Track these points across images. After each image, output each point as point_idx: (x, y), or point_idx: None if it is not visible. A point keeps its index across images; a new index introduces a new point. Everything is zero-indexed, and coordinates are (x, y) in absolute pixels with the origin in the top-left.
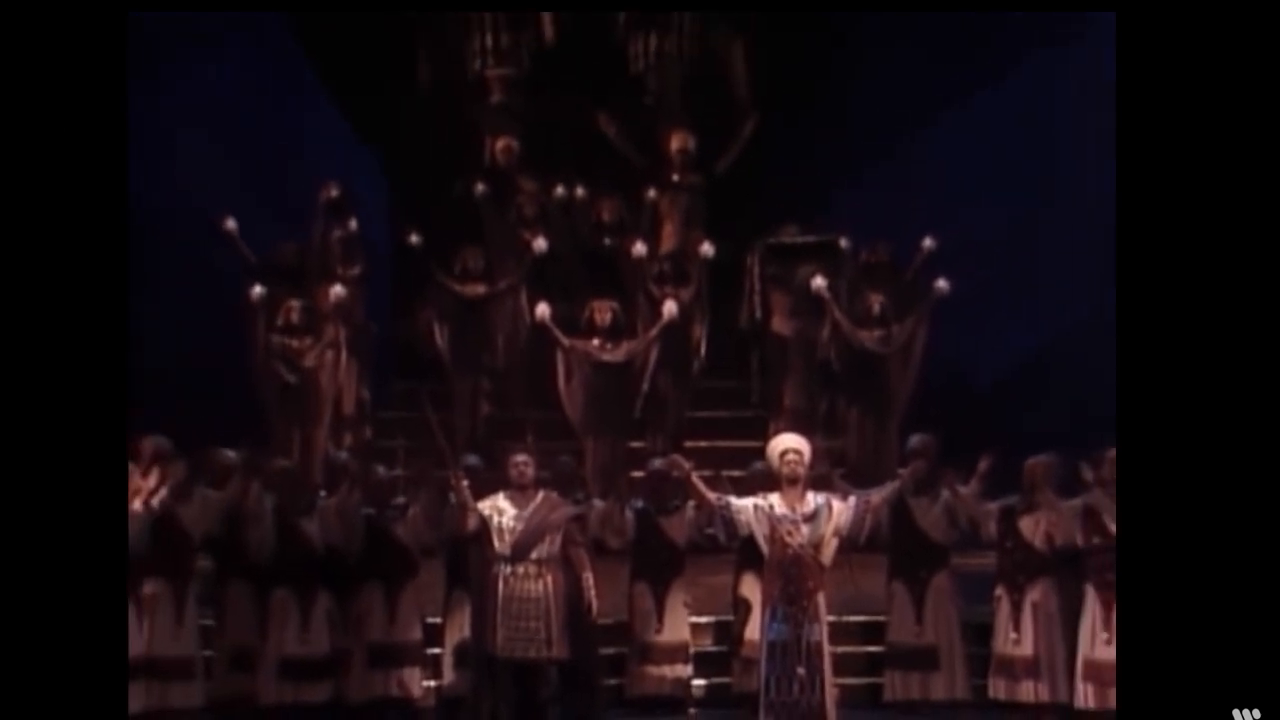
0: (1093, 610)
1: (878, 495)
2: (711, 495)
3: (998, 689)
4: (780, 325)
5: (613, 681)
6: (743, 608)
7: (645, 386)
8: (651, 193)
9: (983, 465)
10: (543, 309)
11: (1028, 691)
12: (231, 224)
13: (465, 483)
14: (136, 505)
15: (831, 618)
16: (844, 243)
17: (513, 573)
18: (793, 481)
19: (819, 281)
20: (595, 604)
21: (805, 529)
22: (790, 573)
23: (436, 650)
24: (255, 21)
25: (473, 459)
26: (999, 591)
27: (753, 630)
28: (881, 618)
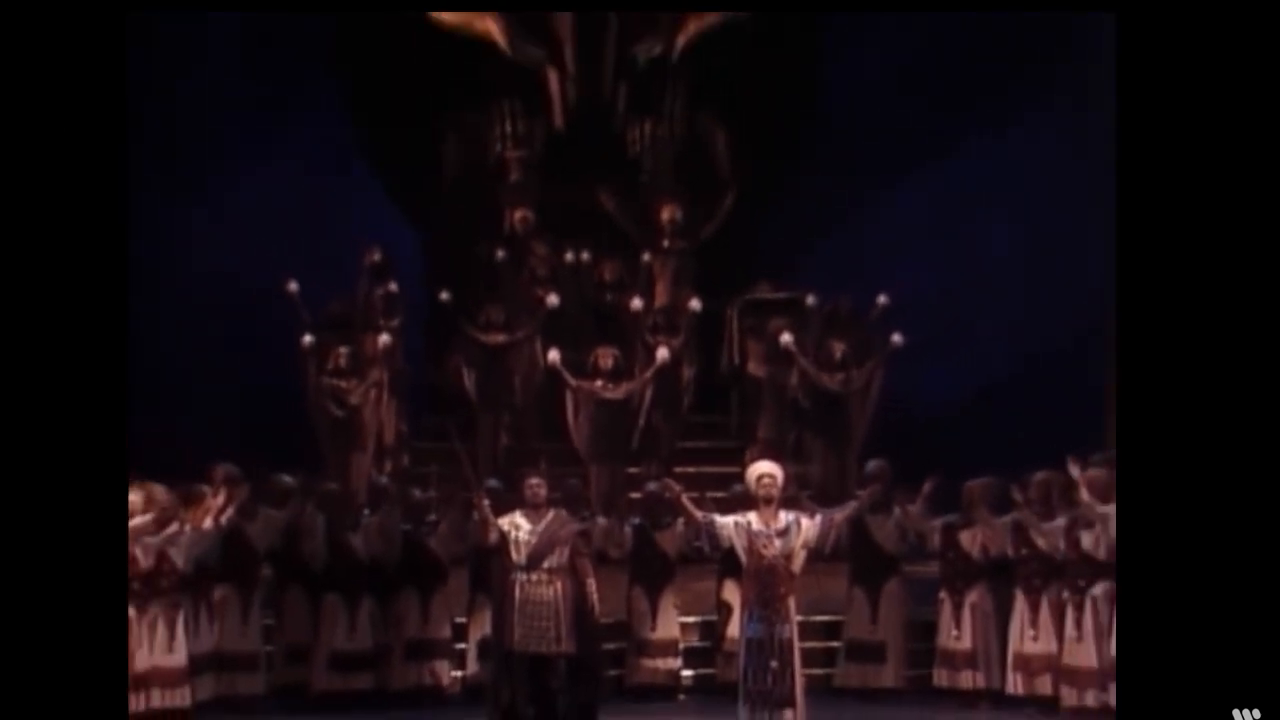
0: (1021, 611)
1: (840, 513)
2: (698, 513)
3: (941, 678)
4: (755, 369)
5: (613, 672)
6: (724, 609)
7: (641, 421)
8: (646, 256)
9: (927, 487)
10: (554, 355)
11: (967, 680)
12: (293, 286)
13: (487, 503)
14: (208, 523)
15: (800, 618)
16: (810, 299)
17: (528, 579)
18: (767, 501)
19: (786, 338)
20: (598, 606)
21: (778, 542)
22: (765, 580)
23: (463, 645)
24: (316, 119)
25: (494, 482)
26: (942, 595)
27: (733, 629)
28: (841, 618)
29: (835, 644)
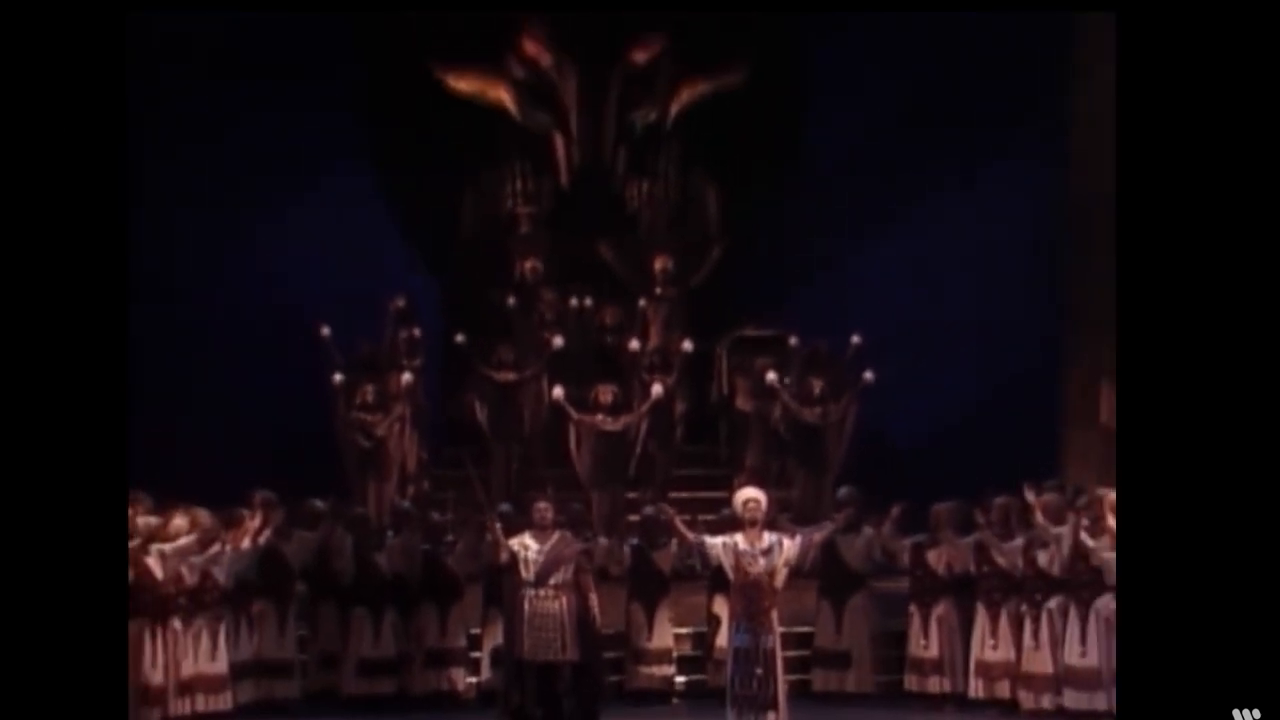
0: (982, 622)
1: (818, 534)
2: (690, 534)
3: (911, 683)
4: (742, 403)
5: (613, 678)
6: (714, 621)
7: (638, 450)
8: (642, 302)
9: (897, 511)
10: (559, 391)
11: (934, 685)
12: (326, 331)
13: (499, 525)
14: (247, 543)
15: (782, 629)
16: (792, 340)
17: (536, 594)
18: (753, 523)
19: (770, 376)
20: (599, 618)
21: (762, 560)
22: (751, 594)
23: (477, 654)
24: (347, 179)
25: (505, 506)
26: (911, 608)
27: (722, 639)
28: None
29: (805, 652)
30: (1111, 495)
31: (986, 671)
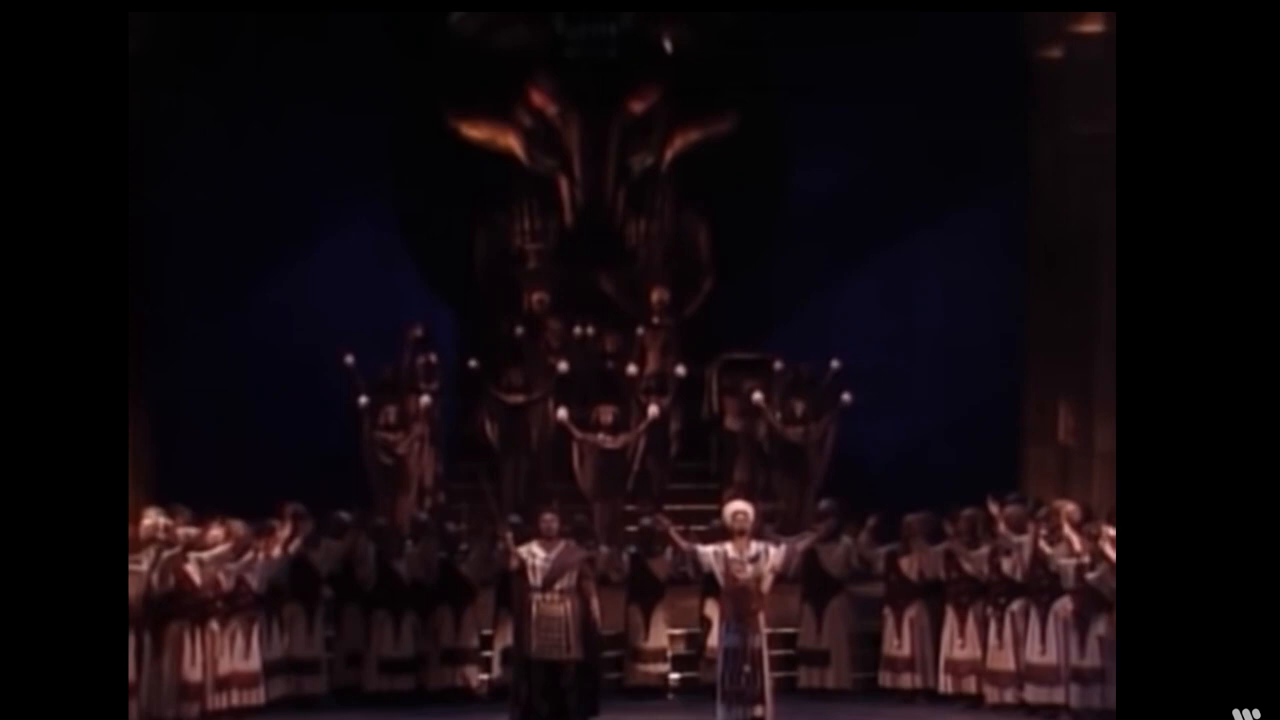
0: (950, 624)
1: (800, 543)
2: (684, 543)
3: (885, 679)
4: (731, 422)
5: (613, 675)
6: (706, 623)
7: (636, 466)
8: (640, 330)
9: (872, 522)
10: (563, 412)
11: (906, 681)
12: (350, 359)
13: (511, 534)
14: (278, 551)
15: (768, 630)
16: (777, 364)
17: (543, 598)
18: (741, 533)
19: (757, 396)
20: (601, 620)
21: (750, 567)
22: (739, 598)
23: (489, 653)
24: (370, 218)
25: (515, 518)
26: (886, 611)
27: (713, 639)
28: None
29: (794, 651)
30: (1069, 507)
31: (955, 668)
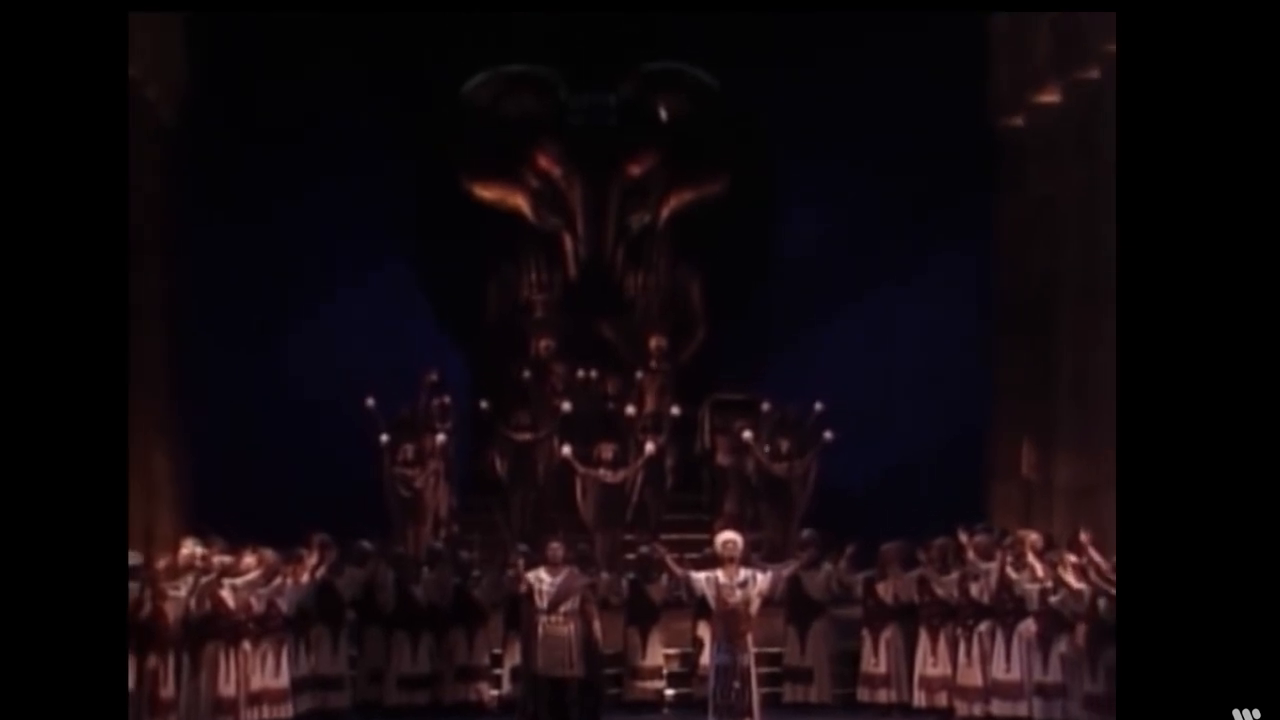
0: (923, 643)
1: (785, 570)
2: (678, 570)
3: (863, 694)
4: (722, 458)
5: (613, 691)
6: (698, 643)
7: (634, 499)
8: (639, 374)
9: (850, 550)
10: (567, 449)
11: (883, 696)
12: (370, 401)
13: (522, 561)
14: (305, 578)
15: (755, 649)
16: (764, 405)
17: (548, 620)
18: (730, 560)
19: (746, 434)
20: (602, 640)
21: (739, 592)
22: (729, 620)
23: (499, 670)
24: (392, 272)
25: (523, 546)
26: (864, 632)
27: (705, 658)
28: (783, 649)
29: (779, 669)
30: (1032, 536)
31: (927, 684)
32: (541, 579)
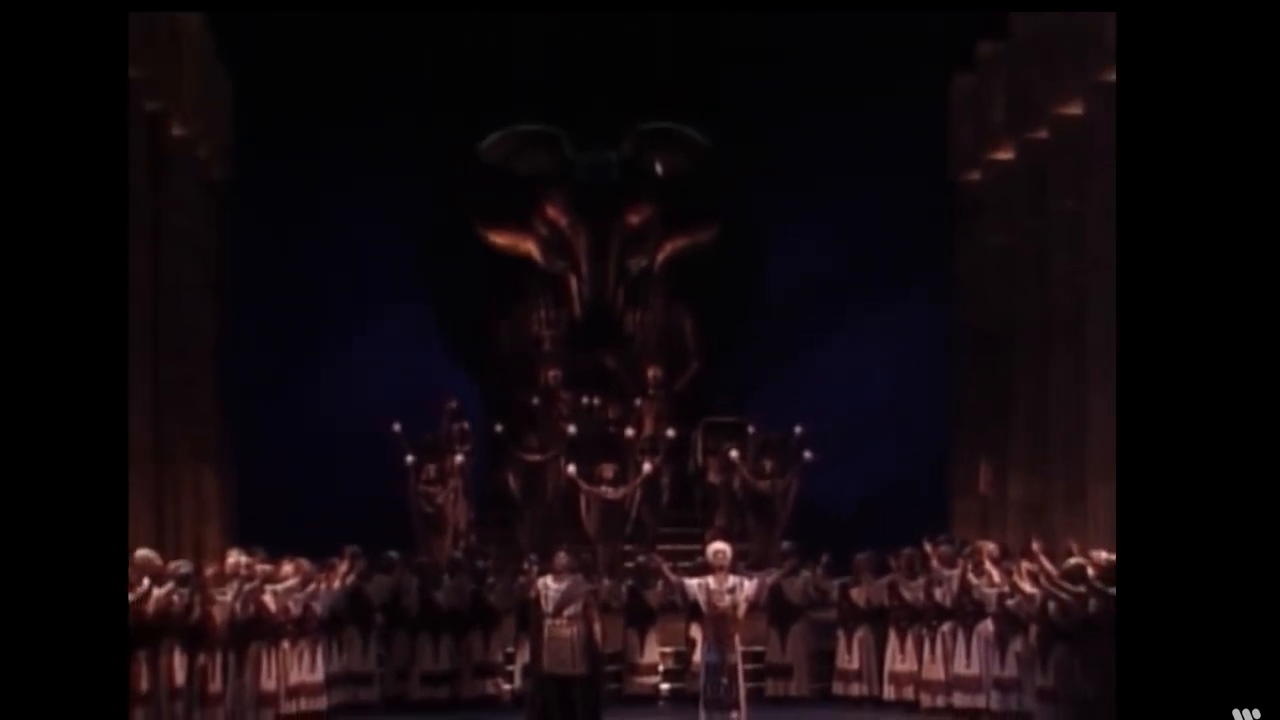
0: (892, 642)
1: (769, 578)
2: (673, 577)
3: (838, 689)
4: (712, 476)
5: (613, 686)
6: (691, 643)
7: (633, 514)
8: (638, 401)
9: (826, 559)
10: (572, 469)
11: (855, 690)
12: (397, 426)
13: (536, 569)
14: (338, 584)
15: (742, 649)
16: (750, 429)
17: (554, 623)
18: (720, 569)
19: (734, 455)
20: (603, 640)
21: (727, 597)
22: (718, 622)
23: (511, 667)
24: (414, 315)
25: (533, 557)
26: (839, 632)
27: (697, 656)
28: (765, 648)
29: (762, 666)
30: (989, 546)
31: (896, 679)
32: (549, 585)
